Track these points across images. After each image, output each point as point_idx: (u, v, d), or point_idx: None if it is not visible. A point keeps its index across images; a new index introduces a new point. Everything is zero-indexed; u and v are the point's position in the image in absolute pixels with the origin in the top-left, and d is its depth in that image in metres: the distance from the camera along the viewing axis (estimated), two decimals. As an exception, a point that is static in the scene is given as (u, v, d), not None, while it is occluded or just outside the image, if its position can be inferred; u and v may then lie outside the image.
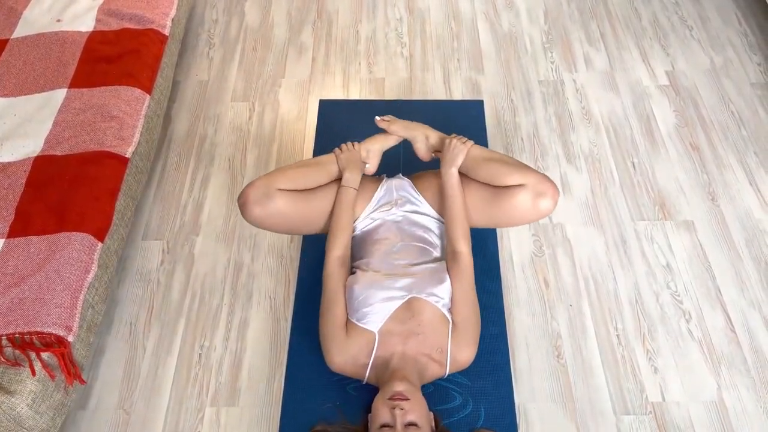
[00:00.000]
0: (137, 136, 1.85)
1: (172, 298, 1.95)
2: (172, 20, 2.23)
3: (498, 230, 2.06)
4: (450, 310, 1.68)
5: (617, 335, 1.84)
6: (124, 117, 1.85)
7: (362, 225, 1.81)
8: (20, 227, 1.59)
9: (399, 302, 1.64)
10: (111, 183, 1.71)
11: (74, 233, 1.58)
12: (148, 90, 1.95)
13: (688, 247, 2.02)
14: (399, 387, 1.50)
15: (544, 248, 2.03)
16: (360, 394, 1.73)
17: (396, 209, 1.81)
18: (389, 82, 2.53)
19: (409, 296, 1.64)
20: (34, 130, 1.81)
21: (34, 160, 1.74)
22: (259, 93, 2.51)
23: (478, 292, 1.79)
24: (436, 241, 1.80)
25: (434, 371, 1.64)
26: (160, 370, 1.80)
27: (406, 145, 2.26)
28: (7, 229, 1.59)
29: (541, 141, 2.31)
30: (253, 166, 2.27)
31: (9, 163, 1.74)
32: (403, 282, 1.67)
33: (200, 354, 1.84)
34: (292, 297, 1.94)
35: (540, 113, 2.40)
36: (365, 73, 2.57)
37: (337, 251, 1.70)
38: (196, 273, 2.00)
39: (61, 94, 1.90)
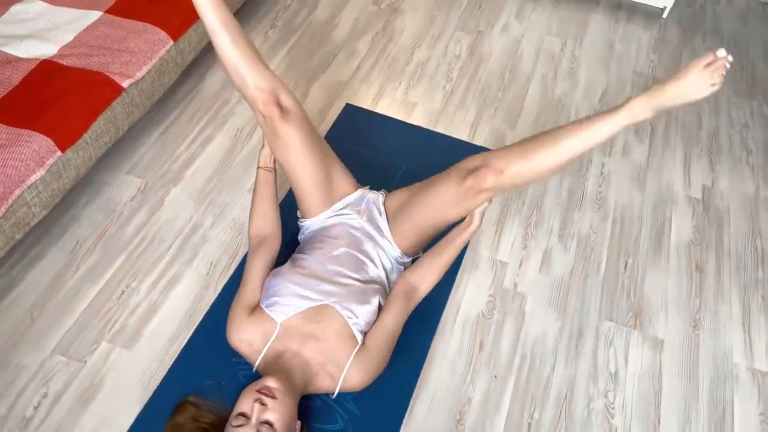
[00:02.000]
0: (142, 73, 1.91)
1: (124, 233, 1.99)
2: (230, -14, 2.32)
3: (457, 278, 1.98)
4: (365, 332, 1.62)
5: (529, 423, 1.70)
6: (137, 52, 1.93)
7: (321, 221, 1.79)
8: (-5, 114, 1.68)
9: (313, 303, 1.60)
10: (96, 104, 1.78)
11: (37, 134, 1.65)
12: (174, 37, 2.02)
13: (646, 365, 1.85)
14: (271, 383, 1.45)
15: (495, 312, 1.92)
16: (249, 383, 1.68)
17: (358, 217, 1.77)
18: (419, 109, 2.51)
19: (325, 302, 1.60)
20: (56, 38, 1.92)
21: (41, 62, 1.84)
22: (295, 80, 2.56)
23: (409, 330, 1.73)
24: (379, 263, 1.75)
25: (324, 384, 1.58)
26: (80, 293, 1.84)
27: (409, 162, 2.23)
28: (-17, 111, 1.69)
29: (541, 209, 2.21)
30: (256, 141, 2.30)
31: (19, 58, 1.85)
32: (327, 288, 1.63)
33: (123, 292, 1.85)
34: (231, 272, 1.93)
35: (552, 183, 2.30)
36: (401, 93, 2.56)
37: (252, 229, 1.77)
38: (156, 218, 2.04)
39: (95, 15, 2.01)
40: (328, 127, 2.38)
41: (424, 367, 1.77)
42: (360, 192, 1.85)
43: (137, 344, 1.76)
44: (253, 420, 1.40)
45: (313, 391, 1.61)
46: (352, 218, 1.78)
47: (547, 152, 1.57)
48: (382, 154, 2.30)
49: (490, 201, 1.69)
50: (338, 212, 1.80)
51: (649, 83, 2.74)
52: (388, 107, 2.50)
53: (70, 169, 1.75)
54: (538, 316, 1.92)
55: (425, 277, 1.73)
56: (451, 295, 1.94)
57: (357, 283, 1.68)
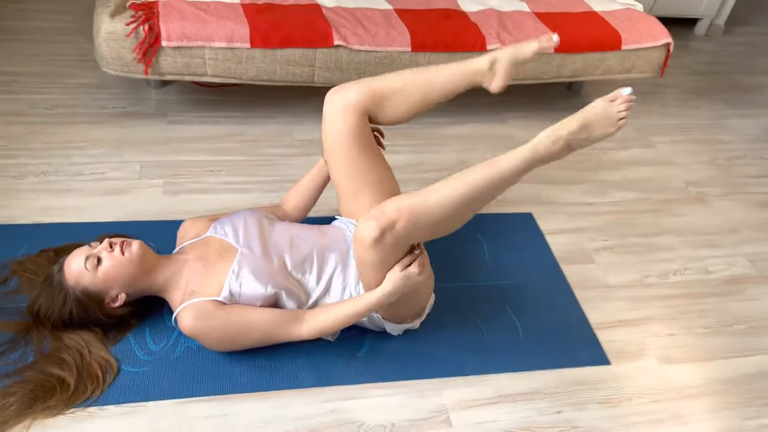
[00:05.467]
0: (359, 48, 2.15)
1: (267, 150, 2.30)
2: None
3: (403, 383, 1.61)
4: (234, 300, 1.53)
5: None
6: (373, 35, 2.16)
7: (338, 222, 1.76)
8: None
9: (231, 242, 1.63)
10: (302, 37, 2.11)
11: (248, 23, 2.08)
12: (414, 48, 2.21)
13: None
14: (134, 245, 1.56)
15: (375, 438, 1.50)
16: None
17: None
18: (588, 269, 2.04)
19: (237, 248, 1.60)
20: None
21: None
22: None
23: (322, 360, 1.64)
24: (325, 281, 1.63)
25: (175, 299, 1.62)
26: (200, 152, 2.23)
27: (511, 286, 1.90)
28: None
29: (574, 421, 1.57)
30: (414, 180, 2.30)
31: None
32: (254, 244, 1.63)
33: (214, 171, 2.17)
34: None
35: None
36: (592, 246, 2.13)
37: (283, 198, 1.88)
38: (293, 160, 2.28)
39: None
40: (495, 213, 2.18)
41: (275, 397, 1.54)
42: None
43: (172, 198, 2.04)
44: (94, 250, 1.53)
45: (167, 299, 1.62)
46: (351, 230, 1.68)
47: (445, 184, 1.40)
48: (496, 256, 2.00)
49: (419, 247, 1.50)
50: (347, 221, 1.72)
51: None
52: (560, 242, 2.12)
53: (251, 65, 2.13)
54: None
55: (316, 316, 1.57)
56: (373, 386, 1.60)
57: (277, 265, 1.58)
